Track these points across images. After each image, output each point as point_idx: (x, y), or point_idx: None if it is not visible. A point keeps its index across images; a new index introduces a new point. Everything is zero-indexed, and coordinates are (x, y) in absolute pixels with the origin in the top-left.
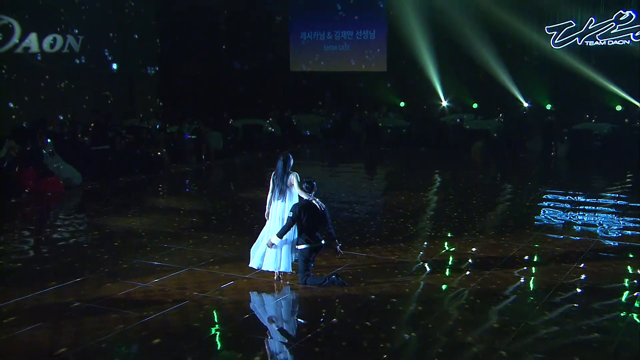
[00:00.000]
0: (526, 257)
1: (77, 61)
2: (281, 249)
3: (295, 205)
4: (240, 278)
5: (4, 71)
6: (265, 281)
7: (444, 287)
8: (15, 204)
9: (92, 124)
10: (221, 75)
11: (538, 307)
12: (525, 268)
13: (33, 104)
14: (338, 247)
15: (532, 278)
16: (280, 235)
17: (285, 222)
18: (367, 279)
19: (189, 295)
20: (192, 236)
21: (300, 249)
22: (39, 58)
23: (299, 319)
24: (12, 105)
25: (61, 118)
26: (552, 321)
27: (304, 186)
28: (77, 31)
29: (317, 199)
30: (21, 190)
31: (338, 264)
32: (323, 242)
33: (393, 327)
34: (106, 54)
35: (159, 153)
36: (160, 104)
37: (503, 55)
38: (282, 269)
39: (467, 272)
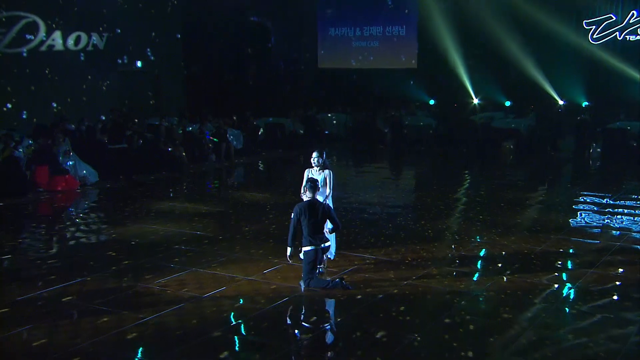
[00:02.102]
0: (548, 262)
1: (102, 59)
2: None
3: (295, 206)
4: (243, 279)
5: (47, 71)
6: (267, 282)
7: (452, 292)
8: (29, 201)
9: (110, 123)
10: (246, 73)
11: (549, 317)
12: (546, 273)
13: (74, 103)
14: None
15: (551, 284)
16: (290, 243)
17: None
18: (373, 282)
19: (189, 297)
20: (207, 237)
21: (305, 251)
22: (82, 58)
23: (298, 323)
24: (55, 105)
25: (103, 118)
26: (563, 330)
27: (307, 185)
28: (102, 28)
29: (308, 200)
30: (35, 188)
31: (346, 265)
32: (328, 243)
33: (393, 333)
34: (131, 51)
35: (171, 149)
36: (185, 106)
37: (537, 51)
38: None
39: (480, 277)
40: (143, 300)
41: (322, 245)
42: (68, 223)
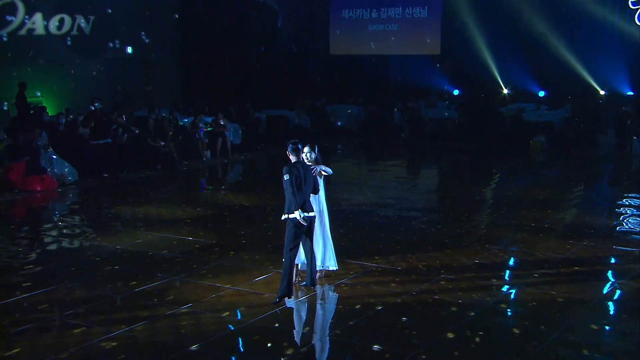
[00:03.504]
0: (575, 271)
1: (88, 44)
2: (320, 243)
3: (284, 168)
4: (230, 289)
5: (30, 54)
6: (257, 293)
7: (463, 304)
8: (2, 202)
9: (95, 115)
10: (249, 59)
11: (572, 334)
12: (571, 284)
13: (61, 93)
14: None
15: (577, 296)
16: (296, 207)
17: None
18: (376, 292)
19: (169, 307)
20: (198, 242)
21: (290, 218)
22: (69, 43)
23: (288, 336)
24: (39, 94)
25: (92, 109)
26: (588, 349)
27: (289, 149)
28: (90, 7)
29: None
30: (9, 188)
31: (348, 274)
32: (313, 214)
33: (394, 348)
34: (121, 35)
35: (163, 144)
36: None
37: (576, 34)
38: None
39: (496, 288)
40: (119, 310)
41: (309, 214)
42: (46, 226)
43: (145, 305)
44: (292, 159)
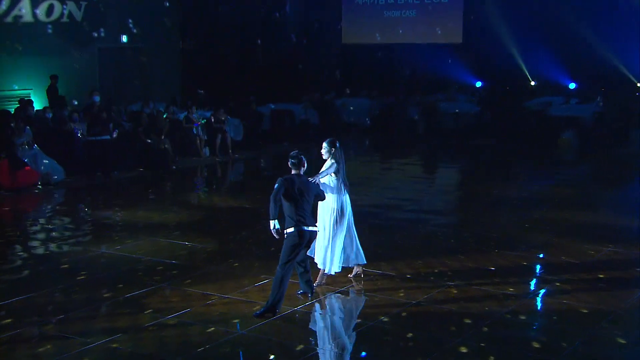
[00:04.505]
0: (597, 279)
1: (80, 32)
2: (330, 246)
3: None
4: (219, 298)
5: (8, 42)
6: (247, 302)
7: (472, 315)
8: None
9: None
10: (253, 48)
11: (591, 348)
12: (591, 293)
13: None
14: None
15: (599, 307)
16: (273, 216)
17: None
18: (377, 303)
19: (150, 318)
20: (185, 247)
21: (287, 233)
22: (50, 31)
23: (280, 350)
24: (16, 87)
25: (75, 103)
26: None
27: (289, 163)
28: None
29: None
30: None
31: (348, 281)
32: (316, 228)
33: None
34: (113, 23)
35: (150, 141)
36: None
37: (609, 20)
38: (327, 270)
39: (508, 297)
40: (98, 320)
41: (308, 228)
42: (24, 230)
43: (127, 314)
44: (293, 171)
